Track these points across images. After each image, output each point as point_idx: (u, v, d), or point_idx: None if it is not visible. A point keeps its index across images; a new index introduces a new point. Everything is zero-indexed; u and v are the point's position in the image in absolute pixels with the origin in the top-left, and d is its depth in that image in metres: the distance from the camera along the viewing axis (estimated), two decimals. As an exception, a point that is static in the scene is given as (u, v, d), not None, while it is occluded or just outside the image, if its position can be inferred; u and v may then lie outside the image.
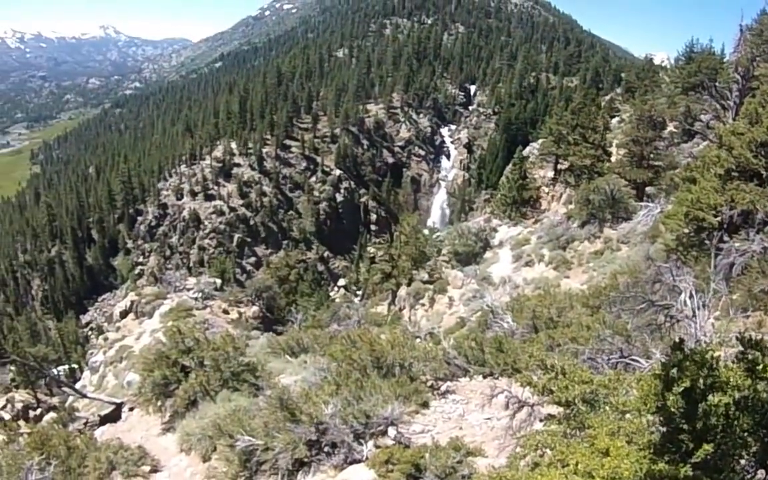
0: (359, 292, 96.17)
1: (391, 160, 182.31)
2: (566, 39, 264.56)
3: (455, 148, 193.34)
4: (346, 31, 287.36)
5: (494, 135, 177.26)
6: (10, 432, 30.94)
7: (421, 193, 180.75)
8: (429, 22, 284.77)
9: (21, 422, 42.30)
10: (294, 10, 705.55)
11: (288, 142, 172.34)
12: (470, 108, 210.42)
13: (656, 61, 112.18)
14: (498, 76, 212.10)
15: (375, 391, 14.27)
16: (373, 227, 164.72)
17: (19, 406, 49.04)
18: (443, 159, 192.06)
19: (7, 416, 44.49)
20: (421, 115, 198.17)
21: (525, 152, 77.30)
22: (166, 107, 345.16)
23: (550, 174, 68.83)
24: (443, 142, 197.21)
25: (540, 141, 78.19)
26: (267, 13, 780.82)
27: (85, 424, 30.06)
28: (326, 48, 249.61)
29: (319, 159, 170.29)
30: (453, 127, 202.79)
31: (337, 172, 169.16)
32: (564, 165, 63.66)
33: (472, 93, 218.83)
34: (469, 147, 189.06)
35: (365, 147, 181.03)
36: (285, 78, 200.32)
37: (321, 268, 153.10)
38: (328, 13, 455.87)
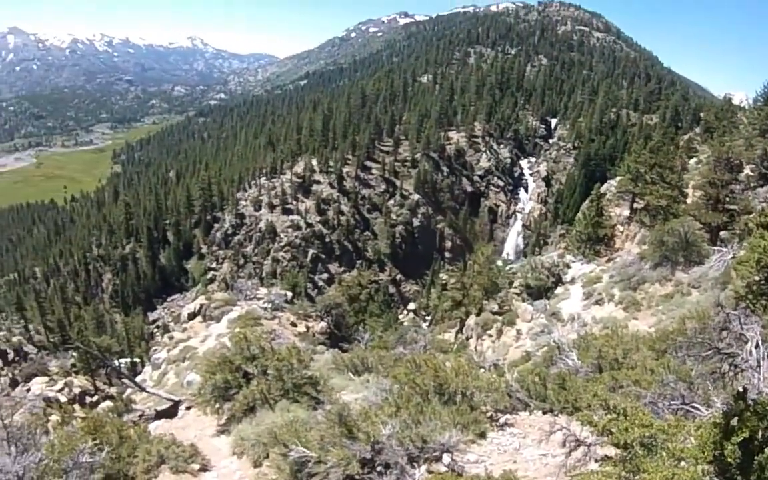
0: (428, 318, 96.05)
1: (469, 188, 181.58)
2: (647, 75, 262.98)
3: (534, 181, 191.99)
4: (430, 57, 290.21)
5: (573, 170, 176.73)
6: (65, 414, 31.39)
7: (498, 224, 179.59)
8: (513, 52, 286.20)
9: (76, 406, 43.08)
10: (380, 34, 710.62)
11: (369, 163, 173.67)
12: (551, 141, 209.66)
13: (735, 101, 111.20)
14: (579, 110, 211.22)
15: (434, 416, 14.04)
16: (447, 254, 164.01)
17: (76, 390, 50.14)
18: (521, 191, 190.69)
19: (63, 399, 45.47)
20: (502, 146, 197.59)
21: (602, 189, 76.45)
22: (250, 120, 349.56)
23: (626, 212, 68.10)
24: (522, 174, 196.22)
25: (618, 178, 77.41)
26: (353, 34, 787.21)
27: (140, 416, 30.45)
28: (411, 73, 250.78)
29: (398, 182, 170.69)
30: (533, 159, 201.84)
31: (416, 196, 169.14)
32: (640, 204, 63.00)
33: (552, 126, 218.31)
34: (547, 180, 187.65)
35: (445, 174, 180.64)
36: (369, 100, 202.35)
37: (392, 290, 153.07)
38: (413, 38, 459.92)
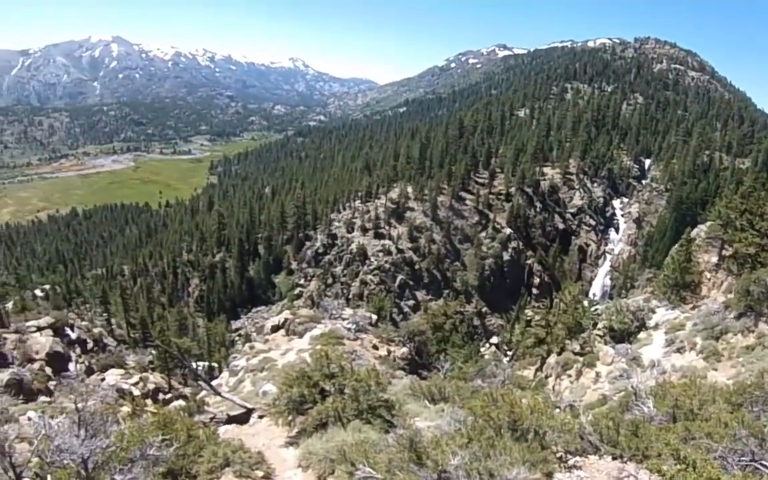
0: (509, 353, 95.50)
1: (561, 226, 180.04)
2: (740, 117, 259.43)
3: (625, 222, 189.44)
4: (528, 91, 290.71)
5: (664, 212, 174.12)
6: (136, 407, 32.18)
7: (586, 264, 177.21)
8: (609, 89, 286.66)
9: (149, 401, 44.00)
10: (479, 66, 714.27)
11: (463, 194, 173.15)
12: (643, 182, 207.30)
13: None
14: (673, 151, 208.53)
15: (504, 451, 13.85)
16: (534, 291, 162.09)
17: (150, 386, 51.19)
18: (612, 231, 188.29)
19: (136, 392, 46.60)
20: (595, 184, 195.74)
21: (692, 234, 75.48)
22: (348, 143, 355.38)
23: (714, 259, 66.91)
24: (614, 214, 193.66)
25: (708, 223, 76.36)
26: (453, 65, 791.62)
27: (212, 419, 31.23)
28: (508, 106, 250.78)
29: (491, 215, 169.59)
30: (625, 199, 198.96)
31: (508, 230, 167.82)
32: (728, 251, 62.08)
33: (646, 166, 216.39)
34: (638, 222, 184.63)
35: (538, 209, 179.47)
36: (466, 131, 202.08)
37: (477, 322, 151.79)
38: (511, 71, 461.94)
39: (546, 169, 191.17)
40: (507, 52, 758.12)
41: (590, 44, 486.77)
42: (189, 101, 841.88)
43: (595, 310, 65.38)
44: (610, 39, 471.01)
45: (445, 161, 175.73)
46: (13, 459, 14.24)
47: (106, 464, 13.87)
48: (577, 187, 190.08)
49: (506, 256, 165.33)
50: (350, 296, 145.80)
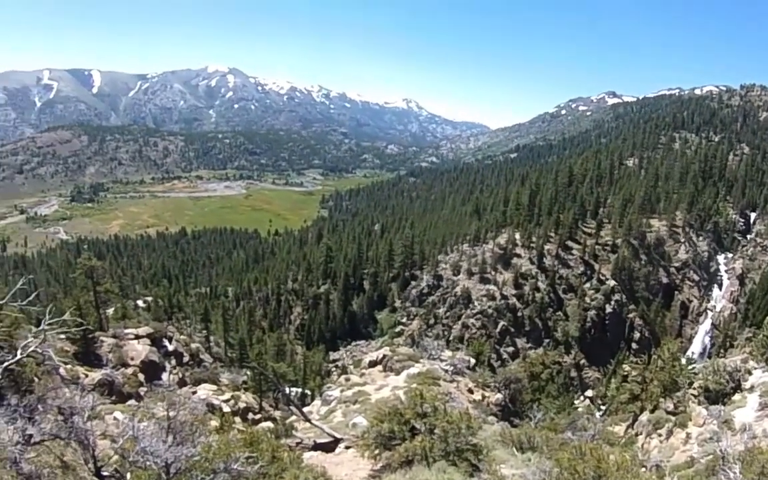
0: (603, 407, 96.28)
1: (665, 280, 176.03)
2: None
3: (728, 278, 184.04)
4: (637, 140, 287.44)
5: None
6: (225, 423, 35.08)
7: (687, 320, 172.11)
8: (716, 139, 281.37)
9: (238, 419, 46.21)
10: (588, 113, 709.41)
11: (570, 243, 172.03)
12: (748, 237, 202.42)
13: None
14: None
15: None
16: (634, 346, 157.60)
17: (241, 405, 53.21)
18: (715, 288, 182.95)
19: (227, 409, 48.38)
20: (701, 238, 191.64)
21: (793, 292, 74.52)
22: (459, 186, 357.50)
23: (813, 318, 66.42)
24: (718, 269, 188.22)
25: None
26: (563, 112, 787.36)
27: (298, 443, 32.90)
28: (617, 155, 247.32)
29: (596, 266, 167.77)
30: (729, 255, 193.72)
31: (612, 282, 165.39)
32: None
33: (751, 220, 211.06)
34: (741, 279, 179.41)
35: (643, 262, 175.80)
36: (576, 179, 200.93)
37: (573, 374, 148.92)
38: (620, 120, 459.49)
39: (653, 221, 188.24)
40: (616, 100, 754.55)
41: (697, 92, 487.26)
42: (303, 135, 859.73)
43: (692, 368, 65.41)
44: (717, 86, 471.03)
45: (554, 209, 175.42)
46: (95, 452, 15.91)
47: (188, 472, 15.12)
48: (682, 240, 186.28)
49: (608, 309, 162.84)
50: (451, 338, 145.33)
